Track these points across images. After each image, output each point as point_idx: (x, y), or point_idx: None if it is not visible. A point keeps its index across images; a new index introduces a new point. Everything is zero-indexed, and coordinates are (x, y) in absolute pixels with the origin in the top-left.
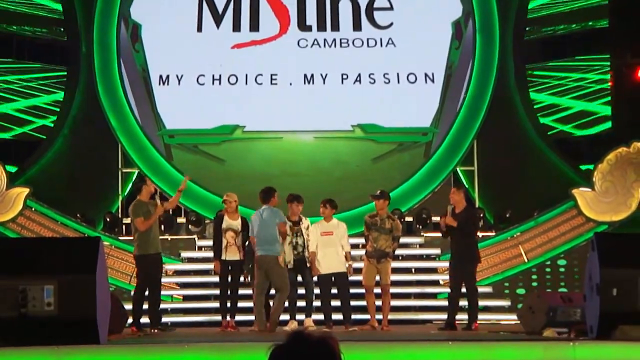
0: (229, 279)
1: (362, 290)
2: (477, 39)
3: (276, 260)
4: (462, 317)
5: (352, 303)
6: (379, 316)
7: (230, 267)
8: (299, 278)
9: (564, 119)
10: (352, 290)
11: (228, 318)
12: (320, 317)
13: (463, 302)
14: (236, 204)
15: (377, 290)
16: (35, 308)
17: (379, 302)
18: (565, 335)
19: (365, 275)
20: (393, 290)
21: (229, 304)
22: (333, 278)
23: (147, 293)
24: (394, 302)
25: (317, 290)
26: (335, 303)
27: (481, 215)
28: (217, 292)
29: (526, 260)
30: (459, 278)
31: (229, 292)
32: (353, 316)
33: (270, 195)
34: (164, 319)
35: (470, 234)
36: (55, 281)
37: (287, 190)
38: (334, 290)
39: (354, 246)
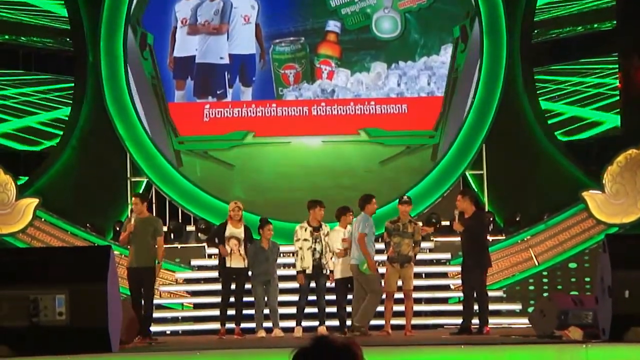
0: (233, 286)
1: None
2: (484, 41)
3: (356, 268)
4: (473, 321)
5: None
6: (393, 322)
7: (234, 275)
8: (312, 284)
9: (570, 122)
10: None
11: (228, 325)
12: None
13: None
14: (241, 212)
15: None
16: (47, 317)
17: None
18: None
19: (387, 281)
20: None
21: (233, 312)
22: (349, 284)
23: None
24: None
25: (331, 297)
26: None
27: (491, 219)
28: (230, 299)
29: (537, 264)
30: (470, 283)
31: (233, 299)
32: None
33: (365, 201)
34: (175, 328)
35: (478, 239)
36: (66, 290)
37: (295, 195)
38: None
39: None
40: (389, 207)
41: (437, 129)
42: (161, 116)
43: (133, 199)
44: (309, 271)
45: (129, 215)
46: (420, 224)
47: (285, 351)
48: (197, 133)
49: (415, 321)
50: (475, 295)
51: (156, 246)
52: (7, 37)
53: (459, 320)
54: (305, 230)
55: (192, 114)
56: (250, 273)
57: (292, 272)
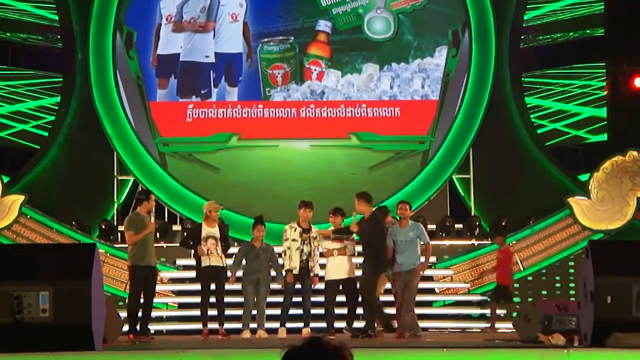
0: (213, 286)
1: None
2: (472, 47)
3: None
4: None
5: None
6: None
7: (213, 273)
8: (298, 286)
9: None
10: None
11: (211, 325)
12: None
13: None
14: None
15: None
16: (31, 314)
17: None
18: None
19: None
20: (387, 298)
21: (216, 312)
22: (341, 286)
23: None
24: (390, 311)
25: (319, 298)
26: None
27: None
28: (211, 300)
29: (522, 269)
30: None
31: (215, 300)
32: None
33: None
34: (159, 327)
35: (371, 242)
36: (50, 287)
37: (280, 198)
38: (339, 298)
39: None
40: None
41: (431, 134)
42: (146, 117)
43: (152, 195)
44: (295, 272)
45: (150, 216)
46: None
47: (269, 352)
48: (179, 134)
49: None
50: (361, 298)
51: None
52: (7, 35)
53: (444, 324)
54: (295, 230)
55: (175, 114)
56: (241, 272)
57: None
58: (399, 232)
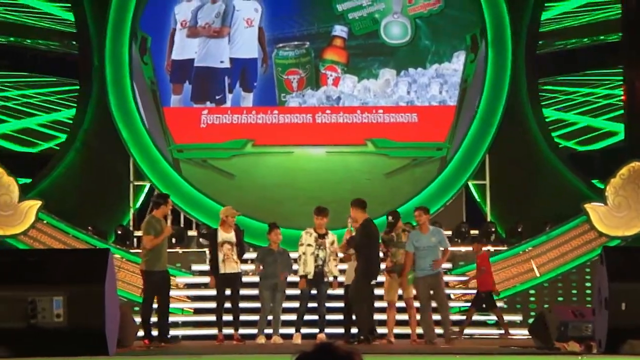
0: (229, 292)
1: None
2: (488, 52)
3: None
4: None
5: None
6: (400, 331)
7: (228, 280)
8: (313, 291)
9: (573, 133)
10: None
11: (226, 331)
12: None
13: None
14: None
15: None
16: (45, 319)
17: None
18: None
19: (387, 291)
20: (401, 304)
21: (231, 318)
22: None
23: (155, 306)
24: (402, 317)
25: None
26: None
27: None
28: (227, 305)
29: (538, 275)
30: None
31: (230, 305)
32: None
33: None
34: (175, 332)
35: (360, 249)
36: (64, 292)
37: (295, 204)
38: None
39: None
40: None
41: (449, 141)
42: (160, 122)
43: (169, 199)
44: (310, 277)
45: (167, 219)
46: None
47: (282, 358)
48: (193, 140)
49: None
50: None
51: None
52: (12, 39)
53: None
54: (310, 235)
55: (189, 120)
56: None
57: (291, 278)
58: (420, 237)
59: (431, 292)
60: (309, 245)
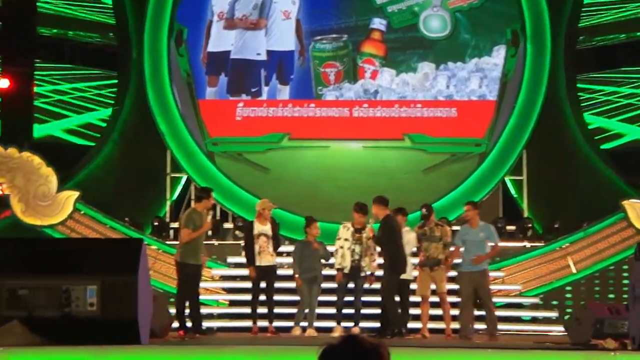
0: (264, 284)
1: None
2: (527, 47)
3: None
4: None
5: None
6: (434, 325)
7: (264, 273)
8: (351, 285)
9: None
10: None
11: (261, 323)
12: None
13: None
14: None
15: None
16: (78, 308)
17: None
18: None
19: (420, 285)
20: (433, 299)
21: (266, 310)
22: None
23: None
24: (436, 312)
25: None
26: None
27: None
28: (262, 297)
29: (575, 272)
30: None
31: (265, 297)
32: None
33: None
34: (210, 324)
35: (384, 245)
36: (98, 282)
37: (331, 198)
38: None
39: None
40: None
41: (488, 136)
42: (195, 115)
43: (212, 194)
44: (346, 271)
45: (208, 214)
46: (450, 227)
47: (313, 350)
48: (228, 133)
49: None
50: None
51: None
52: (55, 31)
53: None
54: (348, 230)
55: (224, 112)
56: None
57: (326, 272)
58: (469, 232)
59: (475, 289)
60: (346, 239)
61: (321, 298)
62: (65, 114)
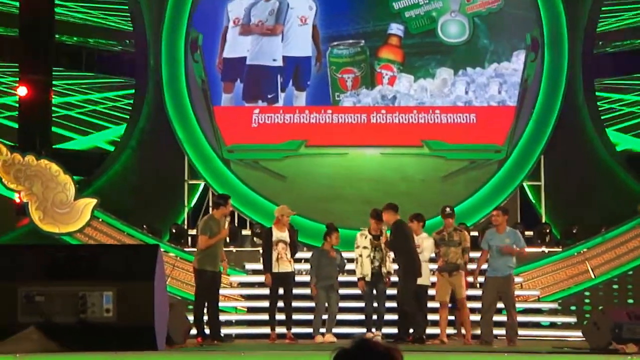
0: (281, 291)
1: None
2: (545, 52)
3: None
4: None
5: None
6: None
7: (282, 279)
8: (374, 292)
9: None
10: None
11: (279, 330)
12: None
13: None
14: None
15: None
16: (95, 314)
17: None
18: None
19: (438, 291)
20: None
21: (284, 317)
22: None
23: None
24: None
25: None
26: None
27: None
28: (280, 304)
29: (593, 277)
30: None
31: (283, 304)
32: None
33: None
34: (229, 331)
35: (397, 250)
36: (114, 288)
37: (349, 204)
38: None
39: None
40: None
41: (508, 142)
42: (210, 121)
43: (229, 201)
44: (367, 279)
45: (226, 221)
46: (474, 233)
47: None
48: (244, 140)
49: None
50: (398, 304)
51: None
52: (74, 38)
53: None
54: (365, 237)
55: (240, 119)
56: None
57: (348, 278)
58: (495, 237)
59: (499, 294)
60: (364, 247)
61: (341, 304)
62: (83, 125)
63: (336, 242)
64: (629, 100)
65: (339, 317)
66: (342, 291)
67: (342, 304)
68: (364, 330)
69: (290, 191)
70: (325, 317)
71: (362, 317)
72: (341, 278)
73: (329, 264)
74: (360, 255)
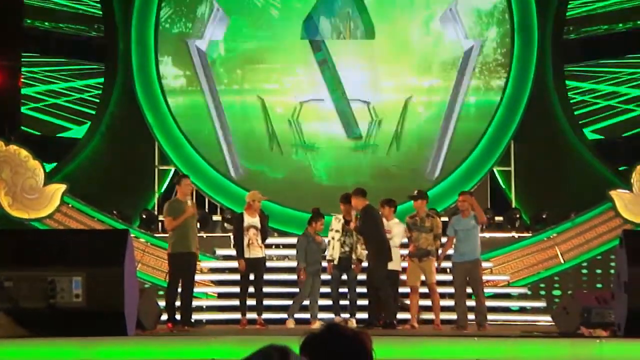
0: (253, 277)
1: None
2: (514, 38)
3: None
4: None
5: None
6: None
7: (253, 265)
8: (344, 277)
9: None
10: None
11: (250, 316)
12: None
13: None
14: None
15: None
16: (64, 299)
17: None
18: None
19: (409, 276)
20: (423, 290)
21: (254, 302)
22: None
23: (180, 290)
24: (423, 302)
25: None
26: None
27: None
28: (250, 290)
29: (563, 262)
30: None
31: (254, 290)
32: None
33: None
34: (199, 317)
35: (367, 235)
36: (83, 273)
37: (320, 190)
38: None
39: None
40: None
41: None
42: None
43: (186, 180)
44: (336, 262)
45: (188, 200)
46: (445, 219)
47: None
48: None
49: (442, 316)
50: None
51: None
52: (45, 24)
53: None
54: (339, 222)
55: None
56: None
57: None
58: (460, 222)
59: (467, 278)
60: (337, 231)
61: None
62: (53, 106)
63: (320, 228)
64: (601, 92)
65: (285, 302)
66: (290, 277)
67: (290, 290)
68: (331, 315)
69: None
70: (306, 303)
71: (329, 302)
72: (291, 263)
73: (317, 249)
74: (332, 238)
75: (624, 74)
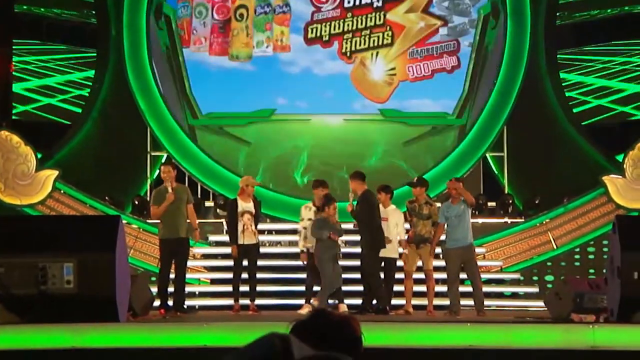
0: (246, 262)
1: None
2: (508, 23)
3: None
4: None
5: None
6: (416, 302)
7: (246, 251)
8: None
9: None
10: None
11: (242, 301)
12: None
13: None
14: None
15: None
16: (55, 286)
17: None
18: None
19: (407, 261)
20: (418, 275)
21: (247, 288)
22: (382, 263)
23: (172, 276)
24: (419, 288)
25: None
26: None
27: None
28: (243, 276)
29: (555, 247)
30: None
31: (247, 276)
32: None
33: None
34: (192, 303)
35: (363, 220)
36: (74, 259)
37: (314, 172)
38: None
39: None
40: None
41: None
42: (175, 89)
43: (163, 167)
44: (312, 251)
45: (166, 185)
46: (438, 204)
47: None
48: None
49: (436, 302)
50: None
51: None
52: (39, 9)
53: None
54: (310, 210)
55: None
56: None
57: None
58: (450, 208)
59: (462, 264)
60: (309, 219)
61: (295, 276)
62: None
63: (333, 212)
64: (592, 86)
65: (277, 288)
66: (282, 263)
67: (282, 276)
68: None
69: (253, 159)
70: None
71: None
72: (283, 249)
73: (332, 232)
74: (305, 228)
75: (614, 63)
